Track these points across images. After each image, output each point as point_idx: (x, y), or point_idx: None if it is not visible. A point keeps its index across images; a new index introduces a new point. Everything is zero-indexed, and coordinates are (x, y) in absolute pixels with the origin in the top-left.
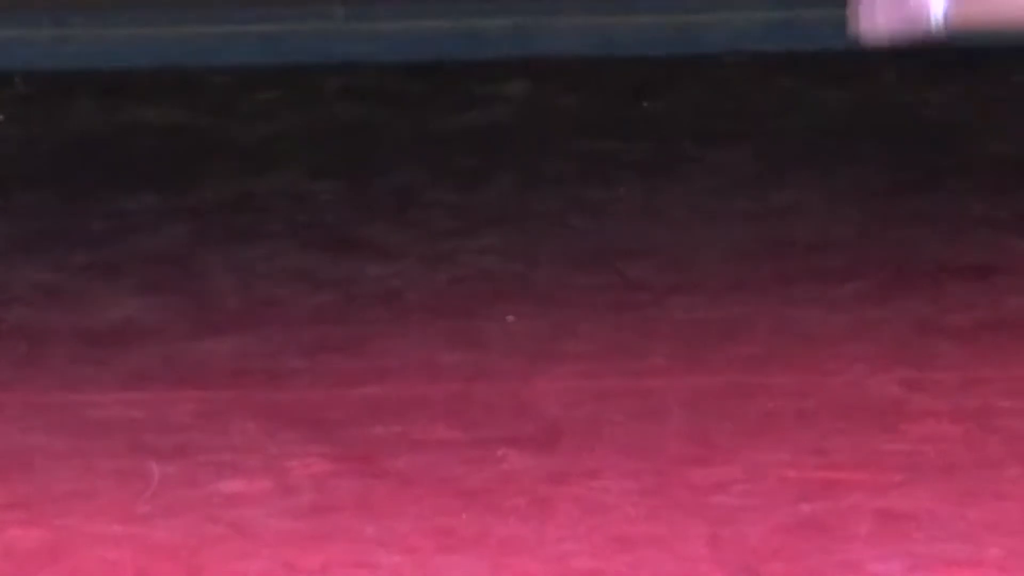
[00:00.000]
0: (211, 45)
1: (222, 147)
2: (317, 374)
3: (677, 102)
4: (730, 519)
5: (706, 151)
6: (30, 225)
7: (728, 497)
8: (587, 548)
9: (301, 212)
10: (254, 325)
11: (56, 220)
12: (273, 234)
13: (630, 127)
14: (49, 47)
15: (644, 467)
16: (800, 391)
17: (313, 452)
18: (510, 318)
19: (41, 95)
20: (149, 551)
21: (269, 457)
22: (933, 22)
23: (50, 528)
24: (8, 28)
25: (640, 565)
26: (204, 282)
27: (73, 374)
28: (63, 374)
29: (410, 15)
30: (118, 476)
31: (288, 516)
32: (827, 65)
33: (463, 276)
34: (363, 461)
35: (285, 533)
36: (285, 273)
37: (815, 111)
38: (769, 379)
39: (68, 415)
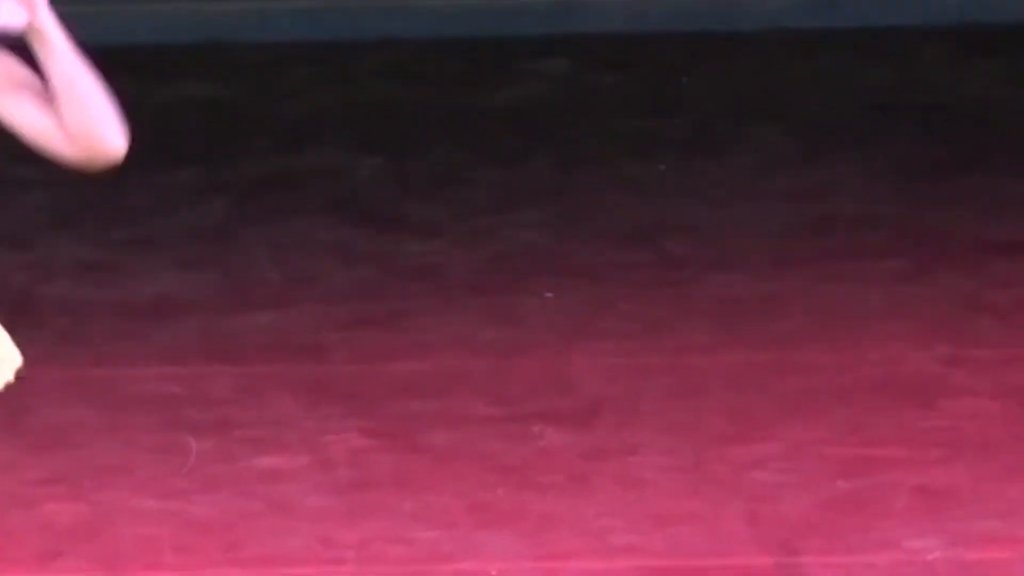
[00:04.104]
0: (250, 21)
1: (261, 123)
2: (355, 349)
3: (717, 79)
4: (768, 496)
5: (746, 128)
6: (70, 201)
7: (766, 474)
8: (625, 524)
9: (340, 188)
10: (292, 300)
11: (96, 196)
12: (312, 210)
13: (669, 104)
14: (88, 23)
15: (682, 444)
16: (839, 368)
17: (351, 427)
18: (548, 294)
19: None
20: (187, 526)
21: (307, 432)
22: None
23: (88, 503)
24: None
25: (678, 541)
26: (243, 257)
27: (112, 349)
28: (102, 349)
29: None
30: (156, 451)
31: (326, 491)
32: (867, 43)
33: (502, 252)
34: (401, 436)
35: (323, 508)
36: (323, 248)
37: (854, 89)
38: (808, 356)
39: (107, 390)
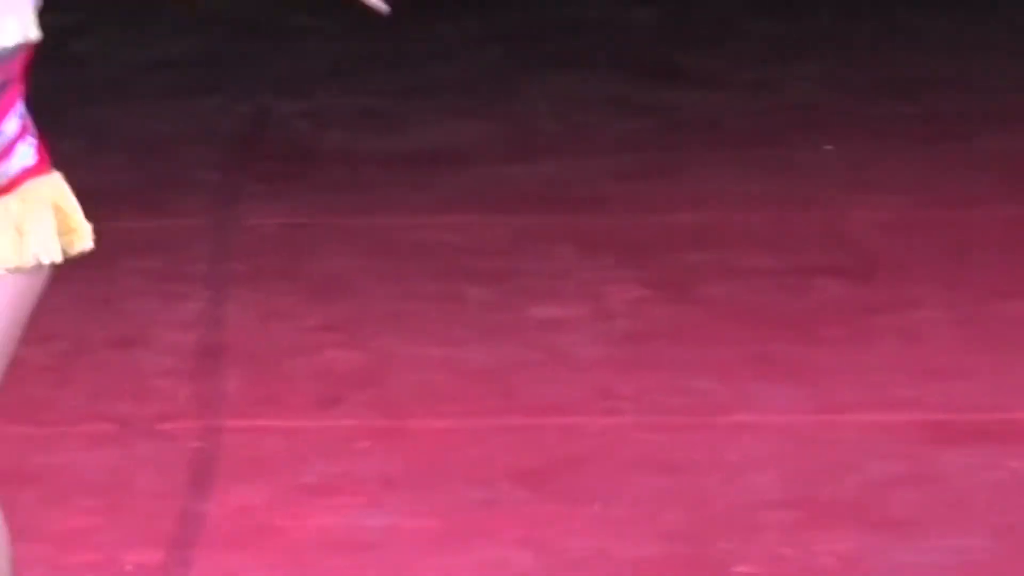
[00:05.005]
0: None
1: None
2: (633, 200)
3: None
4: None
5: None
6: (349, 49)
7: None
8: (904, 378)
9: (618, 39)
10: (570, 151)
11: (374, 44)
12: (590, 61)
13: None
14: None
15: (962, 298)
16: None
17: (629, 278)
18: (828, 147)
19: None
20: (465, 374)
21: (584, 282)
22: None
23: (367, 350)
24: None
25: (957, 395)
26: (521, 107)
27: (391, 197)
28: (381, 197)
29: None
30: (435, 299)
31: (603, 341)
32: None
33: (780, 104)
34: (679, 288)
35: (600, 358)
36: (601, 99)
37: None
38: None
39: (385, 238)
